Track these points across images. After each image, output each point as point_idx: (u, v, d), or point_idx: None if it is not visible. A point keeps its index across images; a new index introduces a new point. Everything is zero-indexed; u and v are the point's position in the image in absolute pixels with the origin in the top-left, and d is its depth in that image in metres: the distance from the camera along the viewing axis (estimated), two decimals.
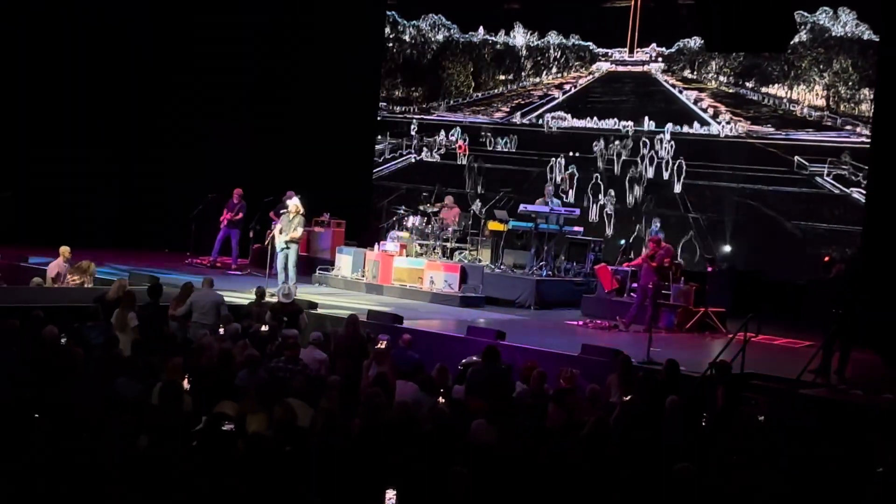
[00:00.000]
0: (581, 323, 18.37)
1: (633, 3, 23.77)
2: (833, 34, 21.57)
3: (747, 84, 22.66)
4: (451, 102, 26.96)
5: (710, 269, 20.19)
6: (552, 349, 14.85)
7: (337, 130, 25.76)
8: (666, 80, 23.70)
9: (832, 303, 14.28)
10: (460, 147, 25.55)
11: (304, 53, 26.01)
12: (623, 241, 22.15)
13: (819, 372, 13.81)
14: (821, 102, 21.62)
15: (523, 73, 25.97)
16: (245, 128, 25.25)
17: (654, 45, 23.81)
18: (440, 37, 27.30)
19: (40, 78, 23.32)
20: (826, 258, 17.46)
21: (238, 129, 25.07)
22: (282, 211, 19.20)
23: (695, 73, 23.42)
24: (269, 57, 25.78)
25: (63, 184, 23.38)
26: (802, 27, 21.46)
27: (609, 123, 24.26)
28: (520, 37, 26.01)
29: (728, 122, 22.67)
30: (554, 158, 24.57)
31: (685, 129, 23.19)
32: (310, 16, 25.88)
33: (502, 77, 26.37)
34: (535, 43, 25.81)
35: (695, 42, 23.12)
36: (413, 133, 27.18)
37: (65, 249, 17.63)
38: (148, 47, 24.72)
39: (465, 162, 25.96)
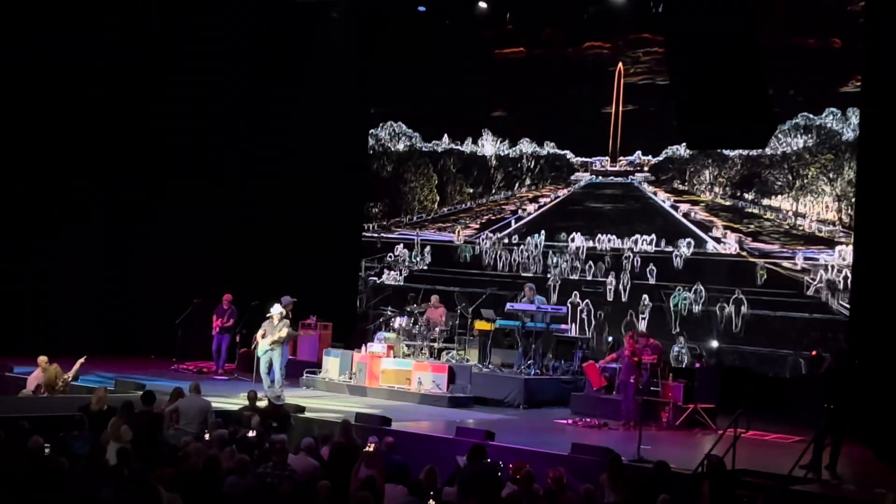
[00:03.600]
0: (570, 421, 18.26)
1: (613, 108, 22.45)
2: (843, 138, 19.78)
3: (746, 195, 21.02)
4: (415, 218, 25.63)
5: (697, 364, 20.14)
6: (542, 449, 14.75)
7: (323, 232, 25.61)
8: (653, 192, 22.25)
9: (823, 397, 14.26)
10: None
11: (290, 159, 25.43)
12: (610, 338, 22.09)
13: (810, 467, 13.73)
14: (831, 216, 19.94)
15: (493, 186, 24.56)
16: (232, 232, 25.23)
17: (638, 153, 22.45)
18: (401, 146, 25.92)
19: (17, 181, 23.34)
20: (813, 353, 17.45)
21: (224, 233, 25.07)
22: (267, 315, 19.15)
23: (686, 183, 21.83)
24: (254, 160, 25.70)
25: (46, 291, 23.33)
26: (808, 131, 20.08)
27: (590, 241, 22.81)
28: (489, 145, 24.59)
29: (725, 239, 21.09)
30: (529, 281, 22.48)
31: (675, 246, 21.73)
32: (296, 121, 25.67)
33: (470, 190, 24.96)
34: (506, 152, 24.34)
35: (684, 150, 21.51)
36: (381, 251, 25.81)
37: (42, 360, 17.53)
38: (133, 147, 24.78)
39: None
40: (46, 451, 12.00)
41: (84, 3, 23.13)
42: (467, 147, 25.07)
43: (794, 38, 20.47)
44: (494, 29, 24.28)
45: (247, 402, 16.33)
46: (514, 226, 24.25)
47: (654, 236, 22.20)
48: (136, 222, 24.68)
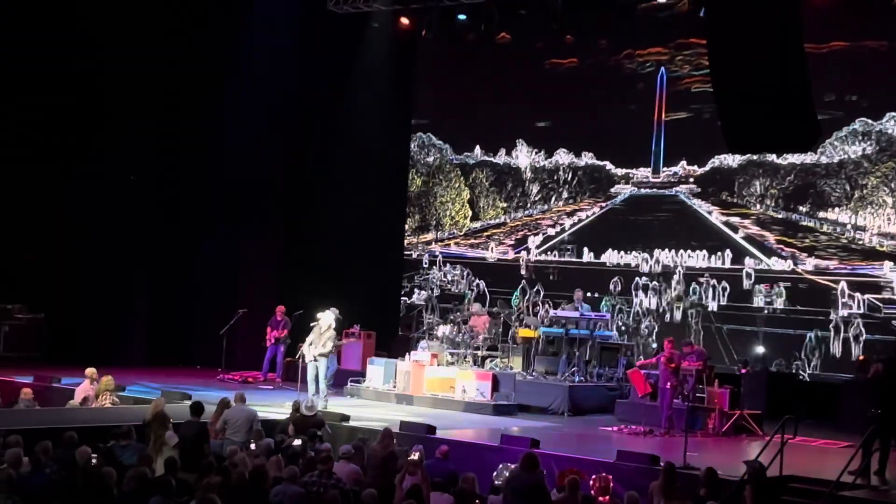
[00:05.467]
0: (616, 428, 18.19)
1: (655, 116, 21.68)
2: None
3: (800, 208, 20.08)
4: (445, 234, 24.85)
5: (743, 370, 19.99)
6: (587, 456, 14.71)
7: (366, 243, 25.59)
8: (700, 205, 21.43)
9: (871, 402, 14.13)
10: None
11: (334, 169, 25.42)
12: (655, 346, 21.95)
13: (859, 473, 13.59)
14: (894, 229, 19.07)
15: (529, 200, 23.72)
16: (275, 243, 25.33)
17: (683, 163, 21.64)
18: (431, 159, 25.11)
19: (69, 200, 23.61)
20: (861, 357, 17.24)
21: (268, 244, 25.19)
22: (312, 324, 19.21)
23: (734, 195, 20.93)
24: (298, 170, 25.72)
25: (93, 303, 23.55)
26: (867, 138, 19.23)
27: (631, 258, 22.07)
28: (523, 157, 23.66)
29: (778, 254, 20.20)
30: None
31: (724, 262, 20.91)
32: (340, 132, 25.66)
33: (504, 204, 24.10)
34: (542, 164, 23.41)
35: (733, 159, 20.61)
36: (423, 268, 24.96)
37: (91, 372, 17.64)
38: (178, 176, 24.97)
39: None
40: (94, 461, 12.09)
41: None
42: (500, 159, 24.27)
43: (864, 41, 19.62)
44: (550, 40, 23.45)
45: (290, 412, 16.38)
46: (550, 243, 23.58)
47: (704, 252, 21.42)
48: (180, 234, 24.81)
